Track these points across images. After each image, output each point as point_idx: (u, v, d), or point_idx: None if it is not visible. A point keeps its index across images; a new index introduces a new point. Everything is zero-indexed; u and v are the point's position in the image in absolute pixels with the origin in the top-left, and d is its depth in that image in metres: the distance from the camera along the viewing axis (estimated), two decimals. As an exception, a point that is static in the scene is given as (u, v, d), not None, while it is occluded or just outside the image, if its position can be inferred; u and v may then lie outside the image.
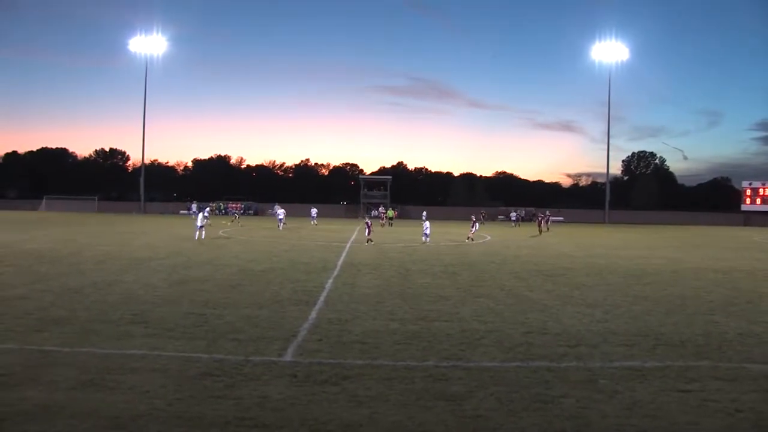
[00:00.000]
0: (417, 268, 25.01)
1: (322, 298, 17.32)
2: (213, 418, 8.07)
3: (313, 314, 15.01)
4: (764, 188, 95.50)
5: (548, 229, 57.94)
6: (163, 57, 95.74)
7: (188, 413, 8.23)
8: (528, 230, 59.04)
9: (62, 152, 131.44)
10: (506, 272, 24.60)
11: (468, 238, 41.83)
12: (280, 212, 53.25)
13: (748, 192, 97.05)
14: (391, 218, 63.98)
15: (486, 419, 8.29)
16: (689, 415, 8.62)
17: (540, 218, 57.66)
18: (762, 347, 12.73)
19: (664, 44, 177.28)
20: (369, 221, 40.45)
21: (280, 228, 49.21)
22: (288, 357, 11.15)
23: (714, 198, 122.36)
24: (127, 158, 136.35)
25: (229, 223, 58.37)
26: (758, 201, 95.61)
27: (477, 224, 44.36)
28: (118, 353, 11.01)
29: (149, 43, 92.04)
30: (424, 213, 70.69)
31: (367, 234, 37.65)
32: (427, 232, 38.82)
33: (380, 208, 71.90)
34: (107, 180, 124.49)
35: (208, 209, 61.31)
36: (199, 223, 38.64)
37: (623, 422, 8.28)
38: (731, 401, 9.17)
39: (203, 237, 37.56)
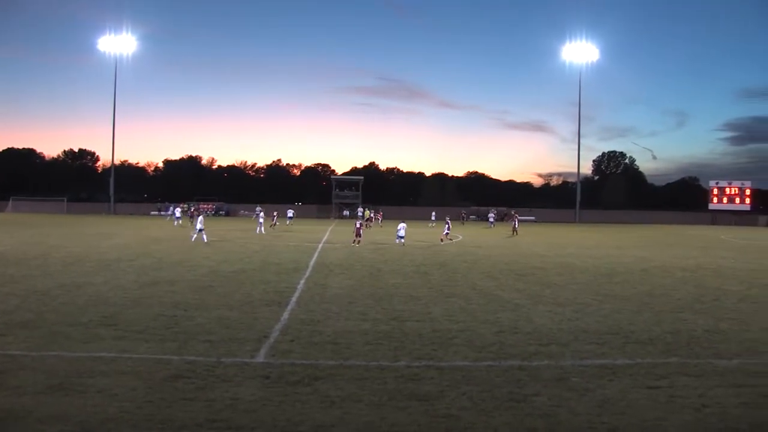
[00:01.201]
0: (388, 269, 25.03)
1: (293, 299, 17.27)
2: (184, 421, 8.01)
3: (285, 315, 14.97)
4: (730, 188, 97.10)
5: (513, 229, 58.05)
6: (133, 56, 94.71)
7: (159, 416, 8.16)
8: (502, 230, 59.33)
9: (29, 153, 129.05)
10: (478, 272, 24.71)
11: (441, 239, 41.40)
12: (262, 215, 52.32)
13: (715, 191, 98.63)
14: (368, 220, 63.79)
15: (458, 419, 8.32)
16: (658, 411, 8.75)
17: (514, 218, 56.98)
18: (728, 343, 12.95)
19: (633, 45, 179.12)
20: (359, 223, 40.07)
21: (261, 231, 47.30)
22: (260, 358, 11.11)
23: (682, 197, 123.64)
24: (97, 159, 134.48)
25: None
26: (725, 200, 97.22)
27: (450, 225, 43.89)
28: (87, 356, 10.89)
29: (119, 42, 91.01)
30: (433, 213, 70.84)
31: (356, 236, 37.42)
32: (402, 233, 37.27)
33: (360, 209, 71.80)
34: (76, 181, 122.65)
35: (179, 210, 61.27)
36: (199, 226, 37.80)
37: (594, 420, 8.37)
38: (698, 397, 9.32)
39: (203, 239, 36.58)
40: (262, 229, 48.02)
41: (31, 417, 8.01)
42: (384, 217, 65.11)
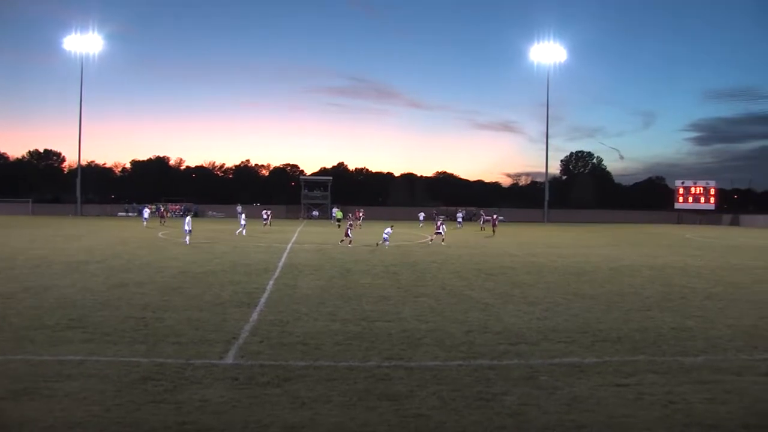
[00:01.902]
0: (358, 269, 25.01)
1: (263, 300, 17.20)
2: (153, 423, 7.95)
3: (255, 316, 14.91)
4: (696, 187, 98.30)
5: (482, 228, 58.09)
6: (100, 56, 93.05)
7: (127, 419, 8.09)
8: (470, 230, 59.52)
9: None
10: (447, 271, 24.80)
11: (443, 240, 41.31)
12: (244, 216, 50.80)
13: (681, 191, 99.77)
14: (339, 219, 63.49)
15: (428, 418, 8.35)
16: (626, 408, 8.86)
17: (494, 218, 56.05)
18: (694, 341, 13.17)
19: (601, 46, 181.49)
20: (350, 224, 39.80)
21: (243, 233, 45.72)
22: (229, 359, 11.06)
23: (649, 197, 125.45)
24: (63, 159, 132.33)
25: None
26: (690, 199, 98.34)
27: (444, 224, 43.74)
28: (53, 360, 10.75)
29: (85, 42, 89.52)
30: (421, 214, 70.73)
31: (347, 236, 37.44)
32: (386, 236, 36.53)
33: (334, 209, 71.42)
34: (42, 182, 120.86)
35: (147, 210, 60.78)
36: (187, 228, 37.06)
37: (563, 417, 8.45)
38: (665, 393, 9.47)
39: (188, 242, 36.03)
40: (244, 231, 46.48)
41: (-5, 422, 7.89)
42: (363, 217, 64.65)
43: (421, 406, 8.76)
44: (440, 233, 41.82)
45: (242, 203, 79.58)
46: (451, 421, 8.26)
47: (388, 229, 37.55)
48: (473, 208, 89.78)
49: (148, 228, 52.78)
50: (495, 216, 56.49)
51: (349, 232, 38.28)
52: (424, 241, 42.27)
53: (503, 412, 8.64)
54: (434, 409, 8.70)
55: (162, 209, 70.62)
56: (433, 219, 70.24)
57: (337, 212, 66.82)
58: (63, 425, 7.84)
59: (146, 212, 60.62)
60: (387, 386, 9.64)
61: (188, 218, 38.93)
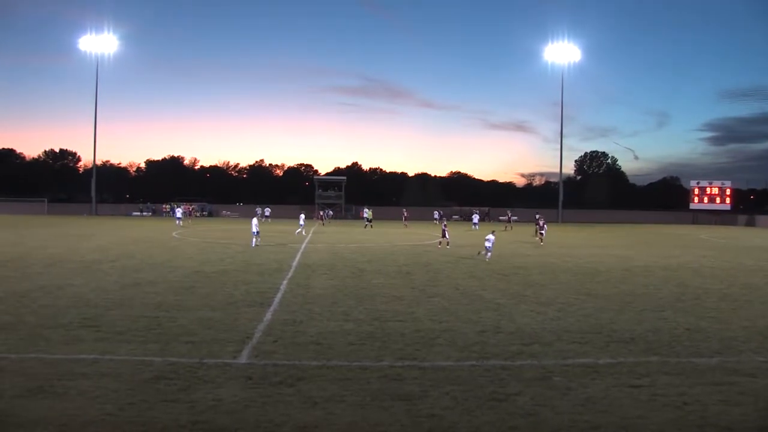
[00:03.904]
0: (371, 269, 25.01)
1: (276, 300, 17.22)
2: (166, 422, 7.97)
3: (268, 316, 14.92)
4: (711, 187, 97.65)
5: (505, 229, 57.83)
6: (115, 56, 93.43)
7: (141, 418, 8.11)
8: (484, 231, 59.36)
9: (9, 153, 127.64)
10: (460, 272, 24.74)
11: (541, 241, 41.87)
12: (301, 216, 50.58)
13: (696, 191, 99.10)
14: (369, 220, 62.99)
15: (441, 418, 8.34)
16: (640, 409, 8.81)
17: (538, 219, 47.27)
18: (708, 342, 13.07)
19: (614, 46, 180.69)
20: (445, 224, 39.42)
21: (303, 232, 46.08)
22: (243, 359, 11.08)
23: (663, 197, 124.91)
24: (78, 159, 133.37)
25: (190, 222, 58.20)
26: (705, 200, 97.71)
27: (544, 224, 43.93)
28: (67, 358, 10.80)
29: (100, 42, 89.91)
30: (436, 212, 71.12)
31: (444, 236, 37.11)
32: (489, 245, 29.68)
33: (365, 210, 70.60)
34: (57, 181, 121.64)
35: (179, 210, 61.34)
36: (254, 229, 35.68)
37: (576, 418, 8.41)
38: (679, 395, 9.40)
39: (260, 243, 35.11)
40: (303, 231, 46.80)
41: (9, 421, 7.93)
42: (373, 218, 64.14)
43: (434, 406, 8.75)
44: (543, 234, 42.68)
45: (253, 203, 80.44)
46: (463, 422, 8.24)
47: (491, 236, 30.37)
48: (486, 208, 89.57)
49: (169, 228, 53.11)
50: (539, 217, 51.02)
51: (446, 233, 37.57)
52: (437, 241, 42.16)
53: (516, 412, 8.61)
54: (447, 409, 8.68)
55: (191, 208, 71.79)
56: (536, 221, 68.52)
57: (368, 213, 65.93)
58: (77, 424, 7.88)
59: (179, 212, 61.21)
60: (400, 386, 9.63)
61: (254, 220, 37.44)
